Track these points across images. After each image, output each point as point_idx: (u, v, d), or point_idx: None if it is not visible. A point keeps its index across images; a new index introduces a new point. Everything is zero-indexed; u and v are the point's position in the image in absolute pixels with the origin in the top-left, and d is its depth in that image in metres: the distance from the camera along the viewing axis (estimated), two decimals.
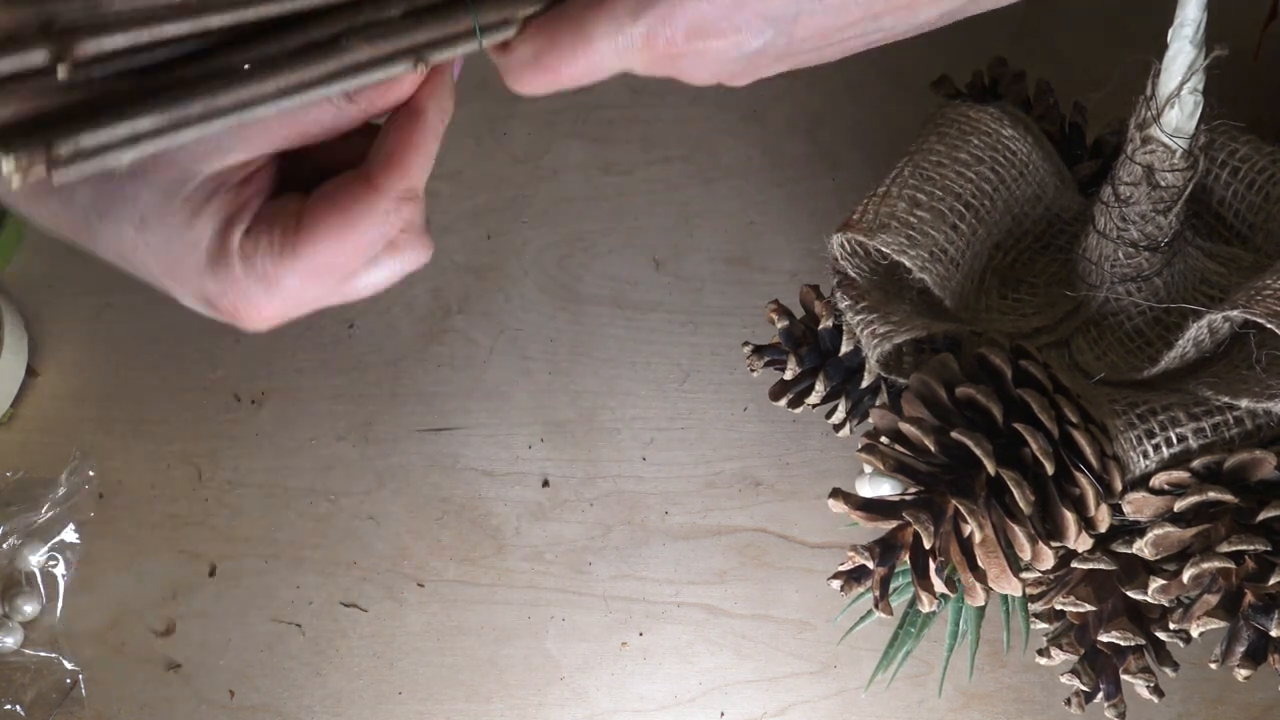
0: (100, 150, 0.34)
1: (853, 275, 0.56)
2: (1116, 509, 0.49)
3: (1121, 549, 0.50)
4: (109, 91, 0.34)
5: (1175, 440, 0.49)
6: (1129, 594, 0.50)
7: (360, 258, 0.39)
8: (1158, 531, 0.48)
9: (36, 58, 0.33)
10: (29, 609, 0.66)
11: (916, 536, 0.50)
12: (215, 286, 0.39)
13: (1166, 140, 0.49)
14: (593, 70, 0.38)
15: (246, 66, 0.35)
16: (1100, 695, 0.52)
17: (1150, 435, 0.49)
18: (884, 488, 0.52)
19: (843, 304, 0.55)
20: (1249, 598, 0.47)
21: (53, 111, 0.34)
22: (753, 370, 0.60)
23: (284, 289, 0.40)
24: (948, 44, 0.75)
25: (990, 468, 0.48)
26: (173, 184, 0.37)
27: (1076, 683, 0.52)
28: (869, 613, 0.55)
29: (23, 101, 0.34)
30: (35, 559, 0.67)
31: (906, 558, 0.50)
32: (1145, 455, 0.49)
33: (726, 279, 0.72)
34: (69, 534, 0.67)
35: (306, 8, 0.36)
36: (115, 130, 0.34)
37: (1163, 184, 0.50)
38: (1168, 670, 0.52)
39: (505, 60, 0.39)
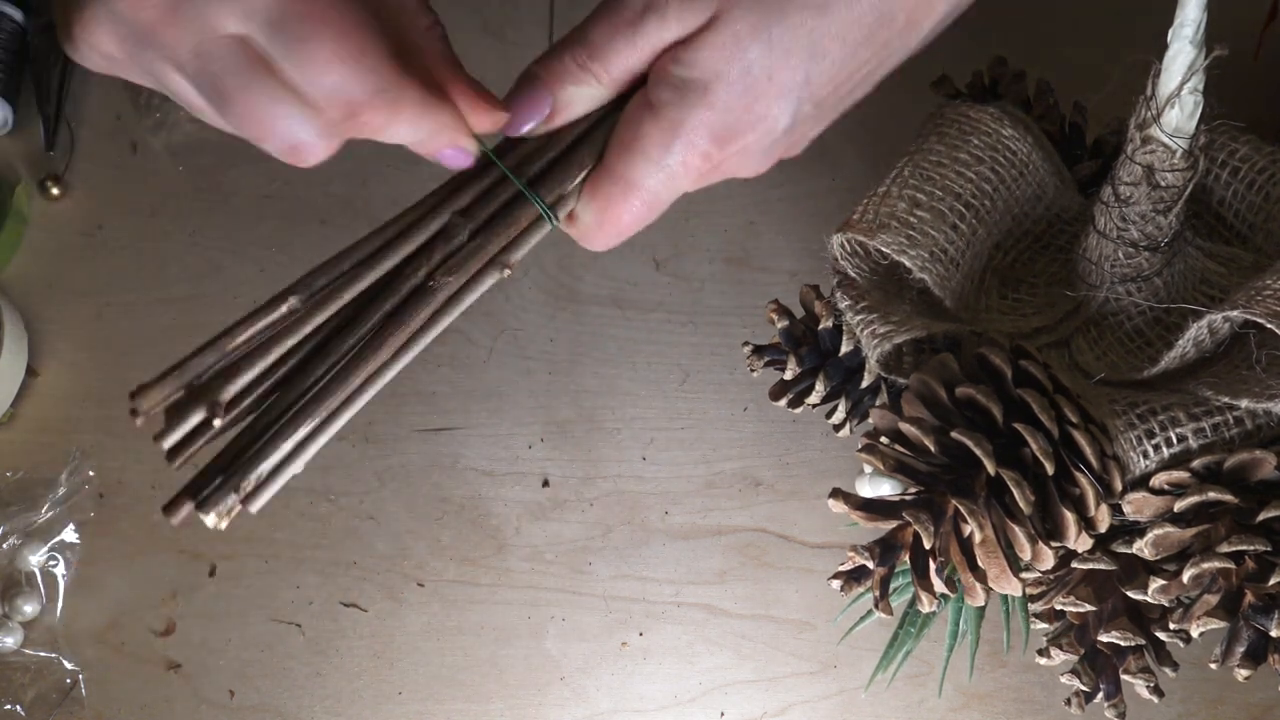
0: (276, 470, 0.40)
1: (853, 275, 0.56)
2: (1116, 509, 0.49)
3: (1121, 549, 0.50)
4: (267, 414, 0.40)
5: (1175, 440, 0.49)
6: (1129, 594, 0.50)
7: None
8: (1158, 531, 0.48)
9: (194, 418, 0.40)
10: (29, 609, 0.66)
11: (916, 536, 0.50)
12: None
13: (1166, 140, 0.49)
14: (653, 208, 0.42)
15: (358, 346, 0.40)
16: (1100, 695, 0.52)
17: (1150, 435, 0.49)
18: (884, 488, 0.52)
19: (843, 304, 0.55)
20: (1249, 598, 0.47)
21: (228, 452, 0.40)
22: (753, 370, 0.60)
23: None
24: (948, 44, 0.75)
25: (990, 468, 0.48)
26: None
27: (1076, 683, 0.52)
28: (869, 613, 0.55)
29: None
30: (35, 559, 0.67)
31: (906, 558, 0.50)
32: (1145, 455, 0.49)
33: (726, 279, 0.72)
34: (69, 534, 0.67)
35: (390, 269, 0.41)
36: (281, 449, 0.39)
37: (1163, 184, 0.50)
38: (1168, 670, 0.52)
39: (576, 231, 0.43)
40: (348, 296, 0.40)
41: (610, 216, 0.42)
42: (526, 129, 0.41)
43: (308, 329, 0.40)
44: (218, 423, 0.40)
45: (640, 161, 0.40)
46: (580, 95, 0.41)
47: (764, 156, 0.43)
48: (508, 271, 0.43)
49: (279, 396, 0.40)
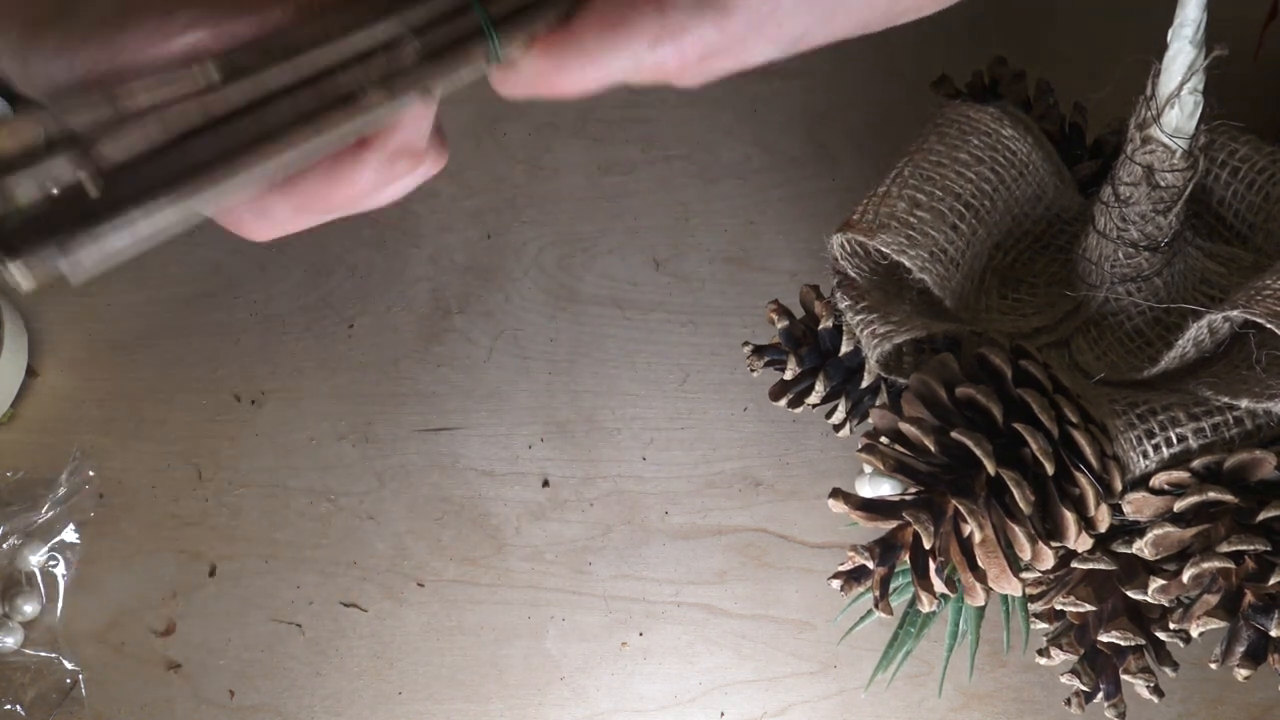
0: (114, 231, 0.32)
1: (853, 275, 0.56)
2: (1116, 509, 0.49)
3: (1121, 549, 0.50)
4: (130, 176, 0.33)
5: (1175, 440, 0.49)
6: (1129, 594, 0.50)
7: None
8: (1158, 531, 0.48)
9: (62, 169, 0.32)
10: (29, 609, 0.66)
11: (916, 536, 0.50)
12: None
13: (1166, 140, 0.49)
14: (598, 87, 0.38)
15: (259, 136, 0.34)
16: (1100, 695, 0.52)
17: (1150, 435, 0.49)
18: (884, 488, 0.52)
19: (843, 304, 0.55)
20: (1249, 598, 0.47)
21: (65, 202, 0.32)
22: (753, 370, 0.60)
23: None
24: (948, 44, 0.75)
25: (990, 468, 0.48)
26: None
27: (1076, 683, 0.52)
28: (869, 613, 0.55)
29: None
30: (35, 559, 0.67)
31: (906, 558, 0.50)
32: (1145, 455, 0.49)
33: (726, 279, 0.72)
34: (69, 534, 0.67)
35: (322, 66, 0.35)
36: (131, 215, 0.32)
37: (1163, 184, 0.50)
38: (1168, 670, 0.52)
39: (506, 76, 0.38)
40: (271, 82, 0.35)
41: (554, 81, 0.38)
42: None
43: (217, 104, 0.34)
44: (83, 175, 0.32)
45: (620, 46, 0.37)
46: None
47: (709, 77, 0.40)
48: (429, 98, 0.37)
49: (151, 165, 0.34)
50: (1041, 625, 0.55)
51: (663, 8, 0.37)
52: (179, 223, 0.33)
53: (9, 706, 0.64)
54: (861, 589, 0.53)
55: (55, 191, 0.32)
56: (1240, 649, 0.48)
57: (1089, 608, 0.51)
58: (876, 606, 0.52)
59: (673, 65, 0.38)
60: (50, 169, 0.32)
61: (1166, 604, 0.50)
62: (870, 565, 0.51)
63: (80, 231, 0.31)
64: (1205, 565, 0.47)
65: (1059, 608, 0.52)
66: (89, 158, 0.32)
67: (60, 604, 0.67)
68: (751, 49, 0.39)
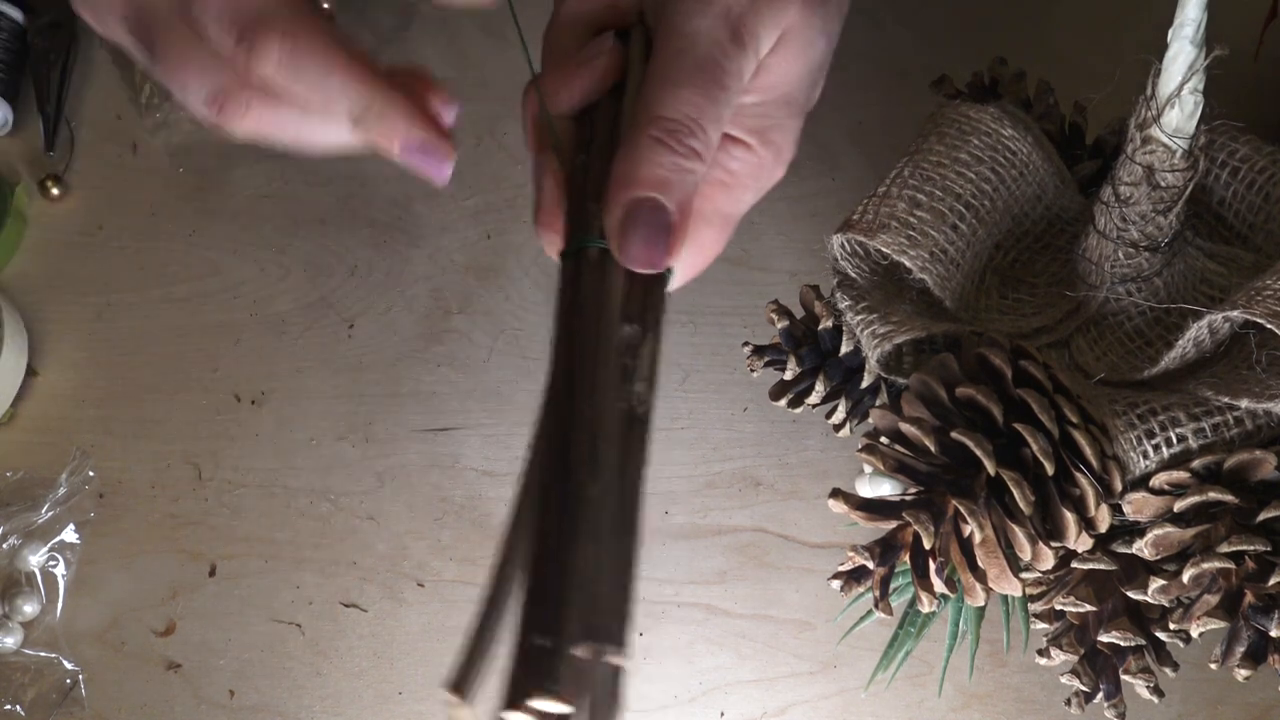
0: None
1: (853, 275, 0.56)
2: (1116, 509, 0.49)
3: (1121, 549, 0.50)
4: None
5: (1175, 440, 0.49)
6: (1129, 594, 0.50)
7: None
8: (1158, 532, 0.48)
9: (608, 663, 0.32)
10: (29, 609, 0.66)
11: (916, 536, 0.50)
12: None
13: (1166, 140, 0.49)
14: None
15: None
16: (1100, 695, 0.52)
17: (1150, 435, 0.49)
18: (884, 488, 0.52)
19: (843, 304, 0.55)
20: (1249, 598, 0.47)
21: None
22: (753, 370, 0.60)
23: None
24: (948, 44, 0.75)
25: (990, 468, 0.48)
26: None
27: (1076, 683, 0.52)
28: (869, 613, 0.55)
29: None
30: (35, 559, 0.67)
31: (906, 558, 0.50)
32: (1145, 455, 0.49)
33: (726, 279, 0.72)
34: (69, 534, 0.67)
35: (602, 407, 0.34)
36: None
37: (1163, 184, 0.50)
38: (1168, 670, 0.52)
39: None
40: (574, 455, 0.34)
41: (706, 258, 0.39)
42: (667, 262, 0.36)
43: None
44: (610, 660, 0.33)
45: (742, 196, 0.38)
46: (691, 183, 0.35)
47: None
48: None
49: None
50: (1041, 625, 0.55)
51: (752, 148, 0.39)
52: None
53: (9, 706, 0.64)
54: (861, 589, 0.53)
55: None
56: (1240, 649, 0.48)
57: (1089, 608, 0.51)
58: (876, 606, 0.52)
59: (782, 168, 0.40)
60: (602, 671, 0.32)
61: (1166, 604, 0.50)
62: (870, 565, 0.51)
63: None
64: (1205, 565, 0.47)
65: (1059, 608, 0.52)
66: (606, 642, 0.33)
67: (60, 604, 0.67)
68: (813, 96, 0.41)
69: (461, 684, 0.31)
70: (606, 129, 0.38)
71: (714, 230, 0.39)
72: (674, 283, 0.39)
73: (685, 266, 0.39)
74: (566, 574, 0.32)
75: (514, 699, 0.30)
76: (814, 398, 0.57)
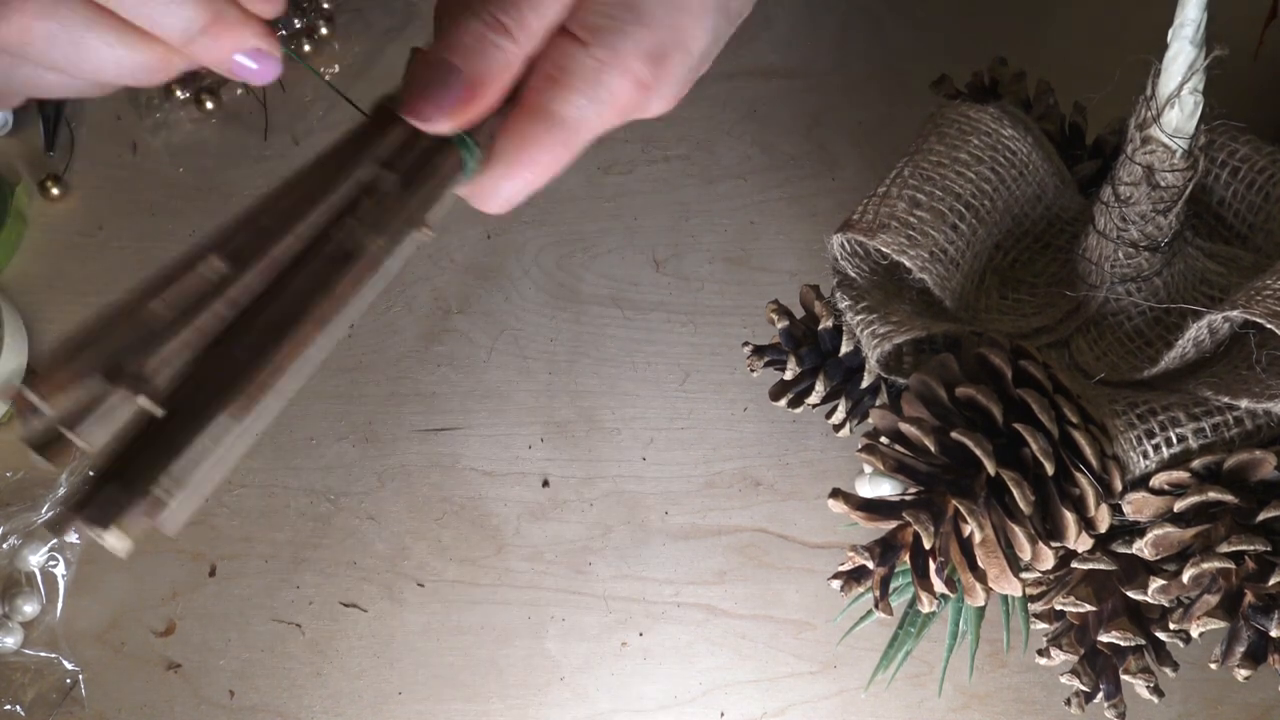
0: (193, 471, 0.30)
1: (853, 275, 0.56)
2: (1116, 509, 0.49)
3: (1121, 549, 0.50)
4: (176, 400, 0.31)
5: (1175, 440, 0.49)
6: (1129, 594, 0.50)
7: None
8: (1158, 532, 0.48)
9: (121, 402, 0.30)
10: (29, 609, 0.66)
11: (916, 536, 0.50)
12: None
13: (1166, 140, 0.49)
14: (572, 149, 0.37)
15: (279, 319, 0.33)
16: (1100, 695, 0.52)
17: (1150, 435, 0.49)
18: (884, 488, 0.52)
19: (843, 304, 0.55)
20: (1249, 598, 0.47)
21: (126, 451, 0.31)
22: (753, 370, 0.60)
23: None
24: (948, 44, 0.75)
25: (990, 468, 0.48)
26: None
27: (1076, 683, 0.52)
28: (869, 613, 0.55)
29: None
30: (35, 559, 0.67)
31: (906, 558, 0.50)
32: (1145, 455, 0.49)
33: (726, 279, 0.72)
34: (69, 534, 0.67)
35: (315, 226, 0.34)
36: (198, 444, 0.30)
37: (1163, 184, 0.50)
38: (1168, 670, 0.52)
39: (480, 183, 0.38)
40: (273, 254, 0.33)
41: (527, 160, 0.37)
42: (443, 124, 0.36)
43: (232, 293, 0.33)
44: (143, 402, 0.31)
45: (569, 95, 0.36)
46: (498, 64, 0.35)
47: (680, 85, 0.39)
48: (429, 233, 0.37)
49: (190, 380, 0.32)
50: (1041, 625, 0.55)
51: (586, 38, 0.36)
52: (246, 439, 0.31)
53: (9, 706, 0.64)
54: (861, 589, 0.53)
55: (122, 427, 0.31)
56: (1240, 649, 0.48)
57: (1089, 608, 0.51)
58: (876, 607, 0.52)
59: (627, 89, 0.37)
60: (110, 406, 0.30)
61: (1166, 604, 0.50)
62: (870, 565, 0.51)
63: (146, 475, 0.30)
64: (1205, 565, 0.47)
65: (1059, 608, 0.52)
66: (143, 381, 0.31)
67: (60, 604, 0.67)
68: (688, 31, 0.38)
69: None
70: None
71: (542, 129, 0.37)
72: (501, 180, 0.38)
73: (515, 161, 0.38)
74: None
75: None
76: (814, 398, 0.58)
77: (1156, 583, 0.49)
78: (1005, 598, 0.56)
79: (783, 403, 0.58)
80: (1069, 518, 0.48)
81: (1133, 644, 0.51)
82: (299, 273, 0.33)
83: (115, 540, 0.30)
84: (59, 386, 0.30)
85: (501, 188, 0.39)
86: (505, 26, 0.35)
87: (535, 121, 0.37)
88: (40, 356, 0.72)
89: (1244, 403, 0.48)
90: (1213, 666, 0.49)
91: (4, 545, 0.66)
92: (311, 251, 0.34)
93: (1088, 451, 0.48)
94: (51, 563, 0.67)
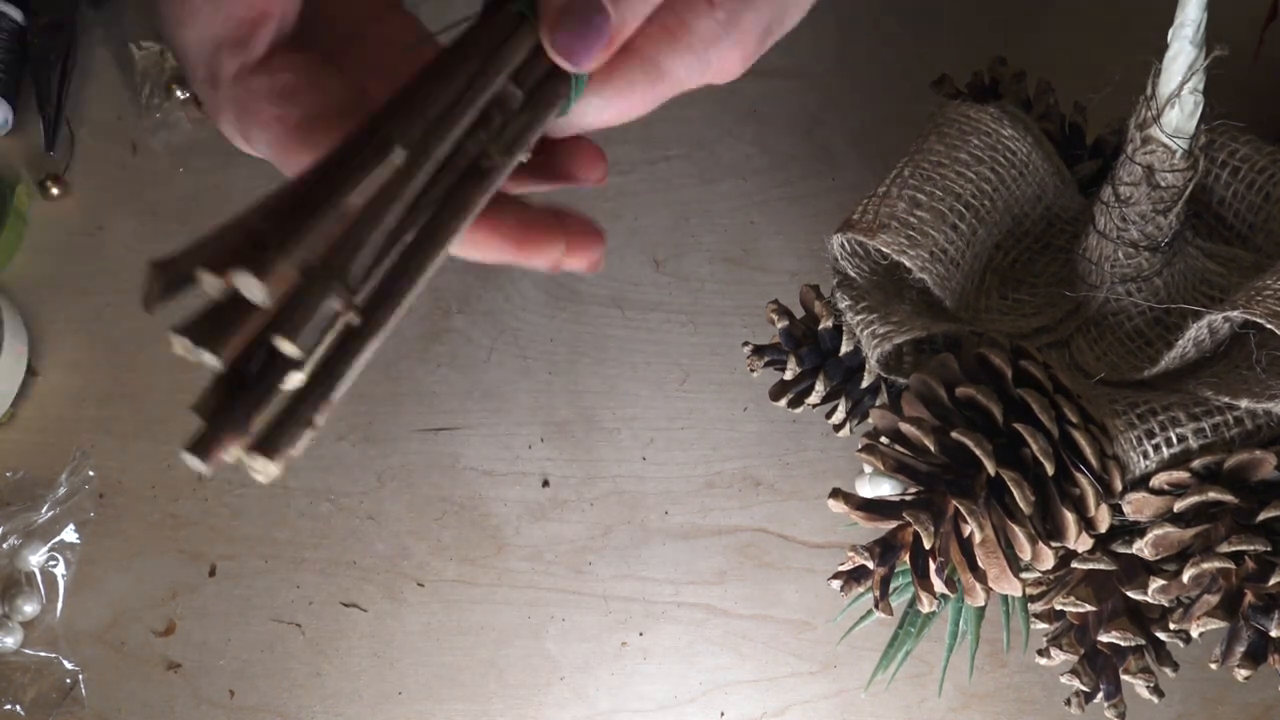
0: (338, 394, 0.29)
1: (853, 275, 0.56)
2: (1116, 509, 0.49)
3: (1121, 549, 0.50)
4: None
5: (1175, 440, 0.49)
6: (1129, 594, 0.50)
7: None
8: (1158, 532, 0.48)
9: (330, 306, 0.29)
10: (29, 609, 0.66)
11: (916, 536, 0.50)
12: None
13: (1166, 140, 0.49)
14: (664, 98, 0.37)
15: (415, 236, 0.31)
16: (1100, 695, 0.52)
17: (1150, 435, 0.49)
18: (884, 488, 0.52)
19: (843, 304, 0.55)
20: (1249, 598, 0.47)
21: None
22: (753, 370, 0.60)
23: None
24: (948, 44, 0.75)
25: (990, 468, 0.48)
26: None
27: (1076, 683, 0.52)
28: (869, 613, 0.55)
29: None
30: (35, 559, 0.67)
31: (906, 558, 0.50)
32: (1145, 455, 0.49)
33: (726, 279, 0.72)
34: (69, 534, 0.67)
35: (460, 133, 0.33)
36: (355, 365, 0.29)
37: (1163, 184, 0.50)
38: (1168, 670, 0.52)
39: (579, 109, 0.37)
40: (436, 155, 0.31)
41: (627, 102, 0.37)
42: (588, 67, 0.35)
43: (410, 193, 0.30)
44: (339, 307, 0.29)
45: (682, 54, 0.36)
46: (641, 10, 0.35)
47: (754, 57, 0.39)
48: (527, 156, 0.35)
49: (383, 276, 0.31)
50: (1041, 625, 0.55)
51: (715, 5, 0.36)
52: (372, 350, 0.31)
53: (9, 706, 0.64)
54: (861, 589, 0.53)
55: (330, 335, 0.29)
56: (1240, 649, 0.48)
57: (1089, 608, 0.51)
58: (876, 606, 0.52)
59: (737, 61, 0.37)
60: (322, 311, 0.28)
61: (1166, 604, 0.50)
62: (870, 565, 0.51)
63: (315, 396, 0.28)
64: (1205, 565, 0.47)
65: (1059, 608, 0.52)
66: (345, 287, 0.29)
67: (60, 604, 0.67)
68: (793, 13, 0.38)
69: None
70: None
71: (644, 76, 0.37)
72: (586, 113, 0.37)
73: (606, 102, 0.37)
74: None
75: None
76: (814, 398, 0.57)
77: (1156, 583, 0.49)
78: (1005, 598, 0.56)
79: (783, 403, 0.58)
80: (1069, 518, 0.48)
81: (1133, 644, 0.51)
82: (438, 184, 0.32)
83: (271, 468, 0.28)
84: (281, 280, 0.27)
85: (584, 123, 0.38)
86: None
87: (643, 71, 0.37)
88: (40, 357, 0.72)
89: (1244, 403, 0.48)
90: (1213, 666, 0.49)
91: (4, 545, 0.66)
92: (449, 163, 0.32)
93: (1088, 451, 0.48)
94: (51, 563, 0.67)
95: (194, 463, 0.27)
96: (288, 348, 0.27)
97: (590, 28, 0.35)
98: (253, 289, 0.27)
